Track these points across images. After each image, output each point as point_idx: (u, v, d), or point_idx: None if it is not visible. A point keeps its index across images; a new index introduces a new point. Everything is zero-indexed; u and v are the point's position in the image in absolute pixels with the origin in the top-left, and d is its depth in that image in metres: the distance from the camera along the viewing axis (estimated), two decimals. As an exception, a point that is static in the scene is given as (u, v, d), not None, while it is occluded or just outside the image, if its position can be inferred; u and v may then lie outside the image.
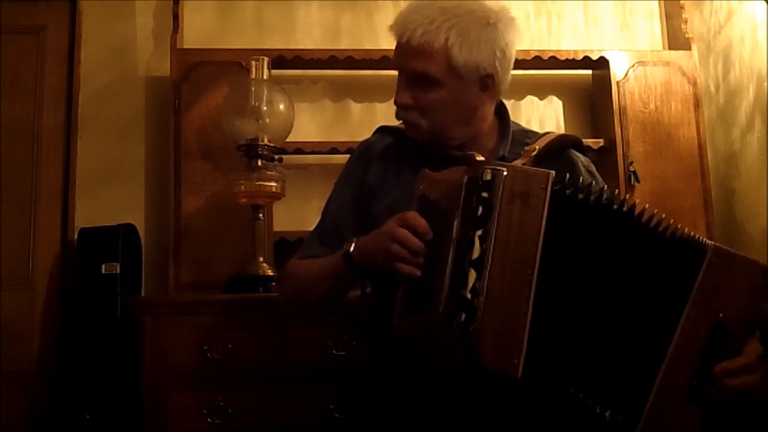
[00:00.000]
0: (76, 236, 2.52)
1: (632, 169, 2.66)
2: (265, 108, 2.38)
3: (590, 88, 2.96)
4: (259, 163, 2.34)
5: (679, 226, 1.20)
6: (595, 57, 2.80)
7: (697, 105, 2.77)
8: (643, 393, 1.16)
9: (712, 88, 2.86)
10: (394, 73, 1.44)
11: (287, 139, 2.50)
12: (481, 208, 1.18)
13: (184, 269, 2.50)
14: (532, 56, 2.76)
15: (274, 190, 2.34)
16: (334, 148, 2.67)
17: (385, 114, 2.69)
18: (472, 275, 1.17)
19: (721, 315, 1.16)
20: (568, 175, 1.23)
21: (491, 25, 1.37)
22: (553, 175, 1.18)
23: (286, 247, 2.49)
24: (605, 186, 1.39)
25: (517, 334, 1.14)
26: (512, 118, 1.54)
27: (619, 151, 2.69)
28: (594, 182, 1.42)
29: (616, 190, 1.29)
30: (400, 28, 1.38)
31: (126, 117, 2.78)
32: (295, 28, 2.92)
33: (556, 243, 1.16)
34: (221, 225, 2.52)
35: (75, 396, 2.31)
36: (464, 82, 1.37)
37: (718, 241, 1.26)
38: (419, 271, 1.21)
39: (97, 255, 2.43)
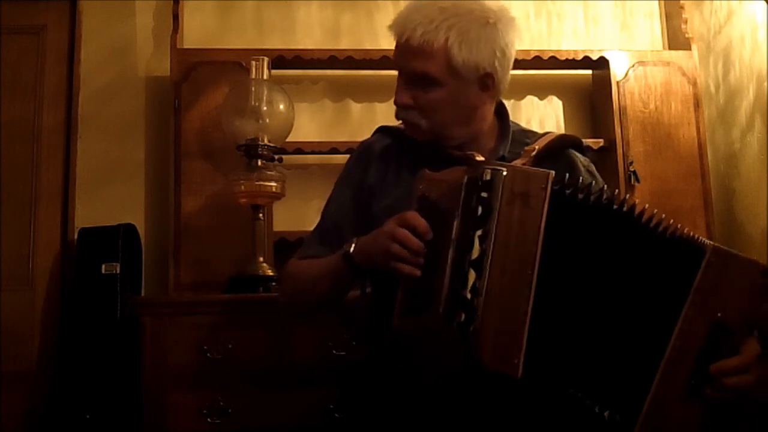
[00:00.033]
0: (76, 236, 2.52)
1: (632, 169, 2.66)
2: (265, 108, 2.38)
3: (590, 88, 2.96)
4: (259, 163, 2.34)
5: (679, 226, 1.20)
6: (595, 57, 2.80)
7: (697, 105, 2.77)
8: (642, 392, 1.16)
9: (712, 88, 2.86)
10: (394, 73, 1.44)
11: (287, 139, 2.50)
12: (480, 208, 1.18)
13: (184, 269, 2.50)
14: (532, 56, 2.76)
15: (274, 190, 2.34)
16: (334, 148, 2.67)
17: (385, 114, 2.69)
18: (472, 275, 1.17)
19: (719, 314, 1.16)
20: (567, 175, 1.22)
21: (491, 24, 1.37)
22: (553, 175, 1.17)
23: (286, 247, 2.49)
24: (605, 186, 1.39)
25: (517, 334, 1.14)
26: (512, 118, 1.54)
27: (619, 151, 2.69)
28: (594, 182, 1.42)
29: (616, 190, 1.29)
30: (399, 27, 1.38)
31: (126, 117, 2.78)
32: (295, 28, 2.92)
33: (555, 243, 1.16)
34: (221, 225, 2.52)
35: (75, 396, 2.31)
36: (464, 81, 1.37)
37: (718, 241, 1.27)
38: (419, 271, 1.21)
39: (97, 255, 2.43)
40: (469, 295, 1.16)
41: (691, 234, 1.20)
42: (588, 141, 2.55)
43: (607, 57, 2.79)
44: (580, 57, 2.81)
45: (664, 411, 1.15)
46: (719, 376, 1.15)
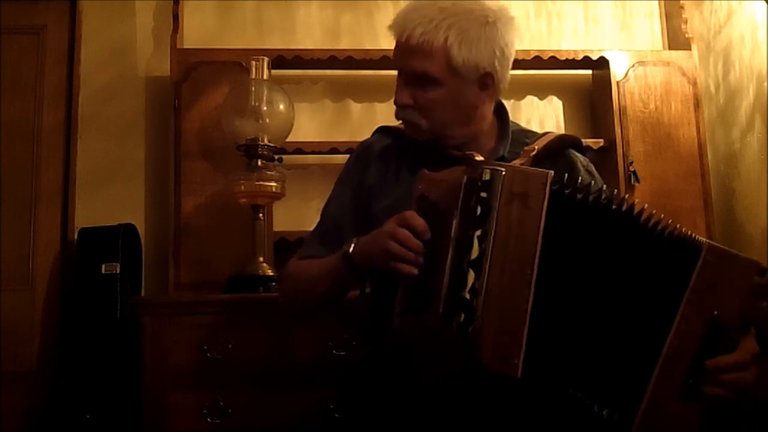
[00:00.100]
0: (76, 236, 2.52)
1: (632, 169, 2.66)
2: (265, 108, 2.38)
3: (590, 88, 2.96)
4: (259, 163, 2.34)
5: (677, 225, 1.20)
6: (595, 57, 2.80)
7: (697, 105, 2.77)
8: (640, 391, 1.16)
9: (712, 88, 2.86)
10: (394, 73, 1.45)
11: (287, 139, 2.50)
12: (479, 208, 1.18)
13: (184, 269, 2.50)
14: (532, 56, 2.76)
15: (274, 190, 2.34)
16: (334, 148, 2.67)
17: (385, 114, 2.69)
18: (471, 275, 1.17)
19: (716, 313, 1.15)
20: (566, 174, 1.22)
21: (490, 24, 1.37)
22: (552, 175, 1.17)
23: (286, 247, 2.49)
24: (604, 186, 1.39)
25: (517, 334, 1.14)
26: (512, 118, 1.54)
27: (619, 151, 2.69)
28: (593, 182, 1.42)
29: (615, 190, 1.29)
30: (399, 27, 1.39)
31: (126, 117, 2.78)
32: (295, 28, 2.92)
33: (554, 243, 1.16)
34: (221, 225, 2.52)
35: (75, 396, 2.31)
36: (464, 81, 1.37)
37: (718, 241, 1.27)
38: (418, 270, 1.21)
39: (97, 255, 2.43)
40: (468, 295, 1.16)
41: (688, 233, 1.20)
42: (588, 141, 2.55)
43: (607, 57, 2.79)
44: (580, 57, 2.81)
45: (662, 409, 1.15)
46: (716, 372, 1.15)
